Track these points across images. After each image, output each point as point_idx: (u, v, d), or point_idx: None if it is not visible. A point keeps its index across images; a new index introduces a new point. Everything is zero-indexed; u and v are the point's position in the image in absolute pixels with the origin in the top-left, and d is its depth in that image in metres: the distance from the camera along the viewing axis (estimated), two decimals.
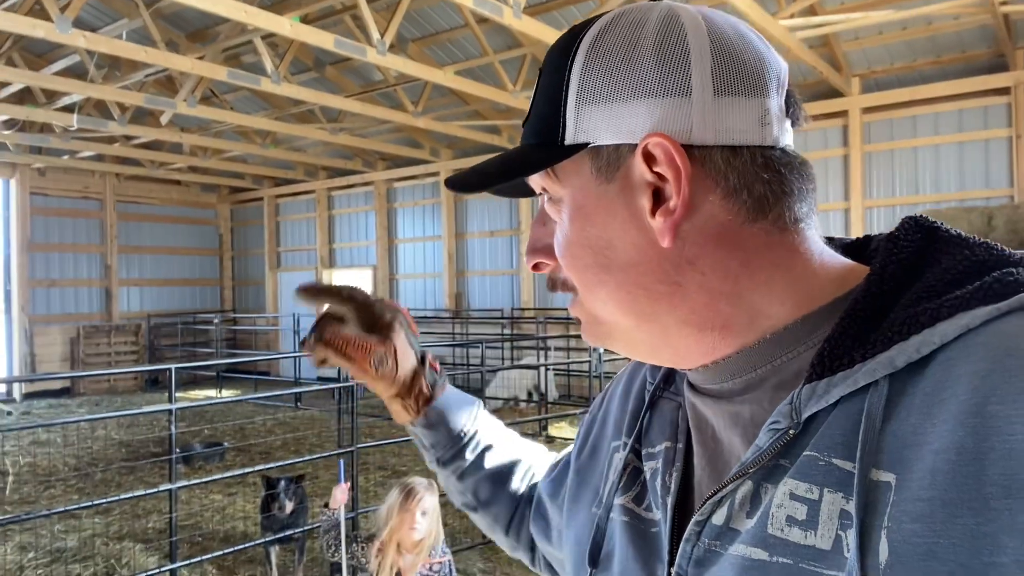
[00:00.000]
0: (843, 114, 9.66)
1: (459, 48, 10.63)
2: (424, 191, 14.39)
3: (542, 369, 9.63)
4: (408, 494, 3.16)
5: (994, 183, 8.82)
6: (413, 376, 0.94)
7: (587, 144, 0.59)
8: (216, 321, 15.05)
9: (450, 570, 3.24)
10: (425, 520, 3.13)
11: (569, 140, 0.60)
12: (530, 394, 11.10)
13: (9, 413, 11.48)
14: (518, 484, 0.98)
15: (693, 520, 0.59)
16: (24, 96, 11.00)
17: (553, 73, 0.61)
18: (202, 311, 16.63)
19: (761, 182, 0.57)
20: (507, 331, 12.75)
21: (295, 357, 8.77)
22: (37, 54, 11.04)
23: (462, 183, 0.68)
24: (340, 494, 3.53)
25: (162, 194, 16.46)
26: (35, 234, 14.49)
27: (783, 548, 0.51)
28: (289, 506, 4.77)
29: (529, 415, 9.96)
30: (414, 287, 14.62)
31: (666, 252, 0.58)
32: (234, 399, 10.40)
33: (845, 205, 9.73)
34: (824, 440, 0.51)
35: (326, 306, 0.92)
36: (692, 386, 0.66)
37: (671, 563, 0.61)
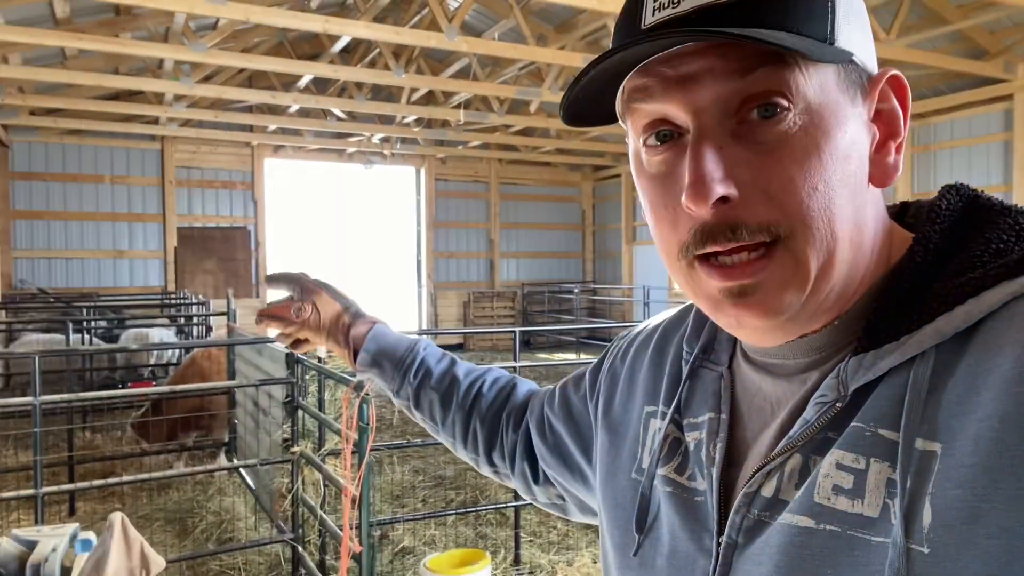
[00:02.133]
0: None
1: None
2: None
3: None
4: None
5: None
6: (336, 317, 1.10)
7: (851, 55, 0.54)
8: (576, 291, 16.26)
9: None
10: None
11: (841, 44, 0.53)
12: None
13: None
14: (465, 403, 1.05)
15: (742, 492, 0.59)
16: (429, 98, 13.12)
17: None
18: (566, 281, 18.10)
19: None
20: None
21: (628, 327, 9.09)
22: (437, 60, 13.05)
23: (724, 20, 0.51)
24: None
25: (535, 175, 18.21)
26: (438, 214, 17.23)
27: (830, 516, 0.52)
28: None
29: None
30: None
31: (866, 199, 0.56)
32: (575, 362, 11.25)
33: None
34: (871, 411, 0.52)
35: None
36: (747, 358, 0.65)
37: (719, 532, 0.61)
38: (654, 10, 0.54)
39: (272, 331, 1.14)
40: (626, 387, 0.81)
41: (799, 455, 0.56)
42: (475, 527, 5.54)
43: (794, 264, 0.53)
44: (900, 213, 0.65)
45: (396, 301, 16.92)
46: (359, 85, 12.01)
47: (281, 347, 4.73)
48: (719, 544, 0.61)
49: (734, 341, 0.69)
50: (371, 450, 3.58)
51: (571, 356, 15.03)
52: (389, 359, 1.08)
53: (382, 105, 12.03)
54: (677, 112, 0.54)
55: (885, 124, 0.56)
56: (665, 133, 0.56)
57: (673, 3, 0.53)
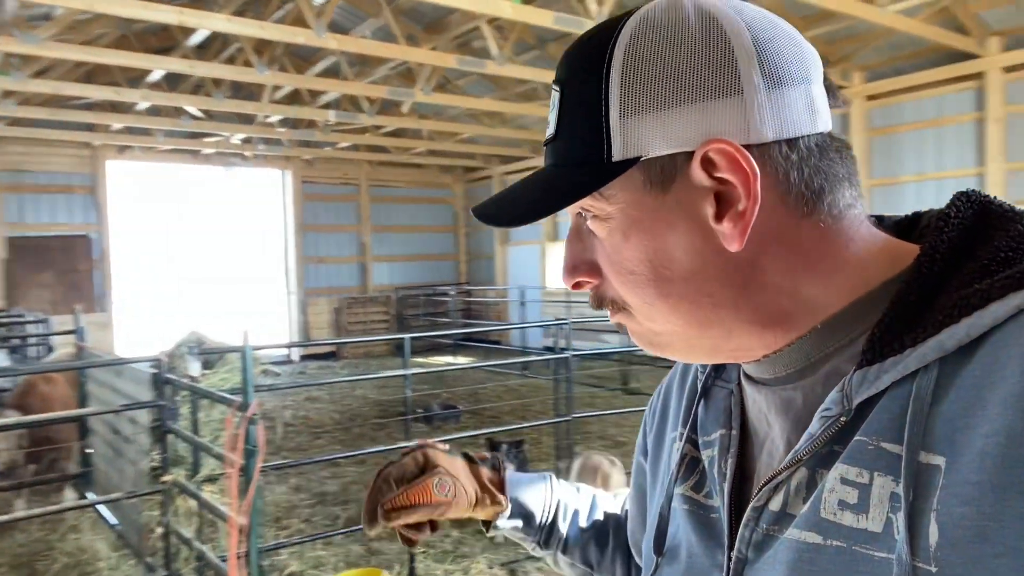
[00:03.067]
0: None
1: None
2: None
3: None
4: (592, 472, 3.07)
5: None
6: (474, 474, 0.92)
7: (638, 158, 0.57)
8: (452, 293, 16.18)
9: None
10: None
11: (618, 156, 0.57)
12: None
13: (278, 374, 13.25)
14: (620, 536, 0.95)
15: (751, 506, 0.60)
16: (294, 97, 12.58)
17: (584, 87, 0.58)
18: (441, 284, 17.98)
19: (818, 173, 0.57)
20: None
21: (516, 328, 9.20)
22: (302, 58, 12.54)
23: (497, 218, 0.63)
24: None
25: (406, 177, 17.97)
26: (306, 217, 16.59)
27: (836, 531, 0.52)
28: (511, 468, 5.06)
29: None
30: None
31: (730, 256, 0.57)
32: (464, 367, 11.22)
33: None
34: (873, 425, 0.52)
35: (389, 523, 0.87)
36: (746, 374, 0.66)
37: (731, 547, 0.62)
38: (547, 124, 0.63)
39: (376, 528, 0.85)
40: (660, 421, 0.82)
41: (805, 468, 0.56)
42: (365, 544, 5.33)
43: (636, 324, 0.63)
44: (912, 223, 0.64)
45: (264, 309, 16.12)
46: (217, 82, 11.31)
47: (144, 367, 4.33)
48: (730, 559, 0.62)
49: None
50: (258, 473, 3.33)
51: (449, 358, 14.93)
52: (530, 511, 0.94)
53: (243, 104, 11.41)
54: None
55: (720, 195, 0.56)
56: None
57: (548, 128, 0.63)
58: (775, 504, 0.58)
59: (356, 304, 16.88)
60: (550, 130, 0.62)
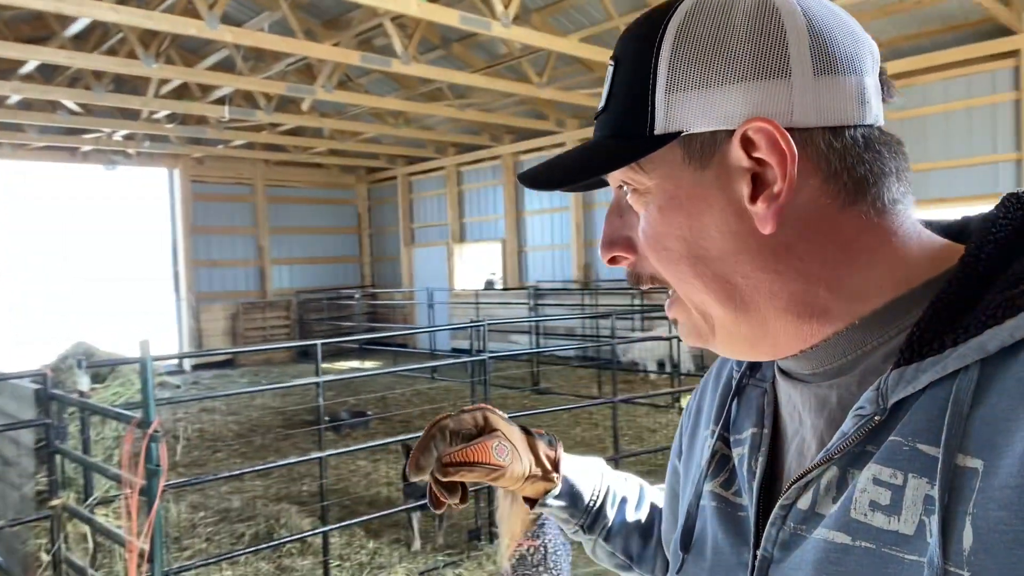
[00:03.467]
0: (1014, 54, 8.64)
1: (583, 14, 10.43)
2: None
3: (674, 340, 9.42)
4: None
5: None
6: (530, 446, 0.88)
7: (679, 133, 0.57)
8: (357, 296, 15.84)
9: (544, 555, 2.88)
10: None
11: (659, 130, 0.58)
12: (661, 365, 10.91)
13: (177, 386, 12.56)
14: None
15: (778, 504, 0.60)
16: (182, 91, 11.94)
17: (635, 62, 0.59)
18: (344, 287, 17.55)
19: (862, 163, 0.56)
20: (637, 302, 12.57)
21: (429, 331, 9.13)
22: (191, 50, 11.92)
23: (538, 180, 0.65)
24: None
25: (306, 177, 17.44)
26: (197, 218, 15.80)
27: (865, 532, 0.51)
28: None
29: (661, 386, 9.81)
30: (543, 259, 14.69)
31: (765, 239, 0.56)
32: (376, 372, 11.00)
33: (1017, 156, 8.73)
34: (910, 425, 0.51)
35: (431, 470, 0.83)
36: (782, 371, 0.65)
37: (756, 546, 0.61)
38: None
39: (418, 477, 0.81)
40: (694, 420, 0.81)
41: (836, 468, 0.56)
42: (274, 560, 5.09)
43: (686, 308, 0.62)
44: (962, 228, 0.63)
45: (151, 316, 15.22)
46: (97, 74, 10.57)
47: (27, 383, 3.96)
48: (755, 557, 0.61)
49: None
50: (161, 493, 3.10)
51: (355, 363, 14.58)
52: (579, 492, 0.91)
53: (127, 98, 10.75)
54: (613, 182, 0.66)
55: (756, 176, 0.56)
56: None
57: (600, 102, 0.64)
58: (804, 503, 0.58)
59: (254, 309, 16.23)
60: (601, 103, 0.63)
